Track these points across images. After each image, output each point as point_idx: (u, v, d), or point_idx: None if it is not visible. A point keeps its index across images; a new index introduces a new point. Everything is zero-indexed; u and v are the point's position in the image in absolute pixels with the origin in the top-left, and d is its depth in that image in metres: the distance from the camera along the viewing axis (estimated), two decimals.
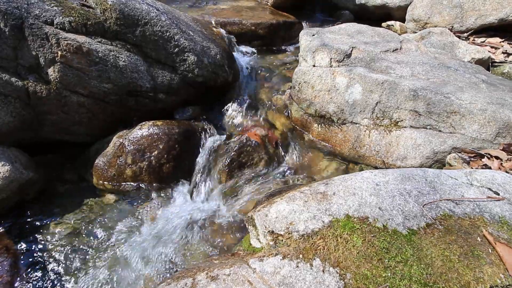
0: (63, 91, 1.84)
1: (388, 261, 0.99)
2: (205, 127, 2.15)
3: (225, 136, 2.15)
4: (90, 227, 1.73)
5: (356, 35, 2.47)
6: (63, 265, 1.55)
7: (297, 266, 0.99)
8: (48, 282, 1.49)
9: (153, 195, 1.90)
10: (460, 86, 1.89)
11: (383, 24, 3.46)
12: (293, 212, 1.15)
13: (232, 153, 2.01)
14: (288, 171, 2.06)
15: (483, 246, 1.04)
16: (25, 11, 1.72)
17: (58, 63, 1.78)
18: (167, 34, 2.09)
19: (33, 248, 1.61)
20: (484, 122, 1.68)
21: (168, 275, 1.49)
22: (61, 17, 1.80)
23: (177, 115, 2.26)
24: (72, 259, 1.58)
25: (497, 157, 1.58)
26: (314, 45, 2.27)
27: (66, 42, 1.78)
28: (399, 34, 2.80)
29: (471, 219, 1.12)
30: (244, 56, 3.02)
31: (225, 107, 2.37)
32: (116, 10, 1.92)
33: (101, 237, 1.69)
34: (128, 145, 1.93)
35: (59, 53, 1.77)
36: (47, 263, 1.56)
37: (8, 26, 1.67)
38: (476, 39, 2.90)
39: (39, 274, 1.51)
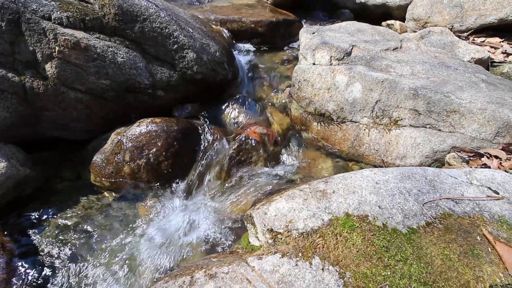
0: (61, 87, 1.82)
1: (388, 259, 0.99)
2: (204, 124, 2.14)
3: (224, 134, 2.14)
4: (87, 225, 1.72)
5: (356, 34, 2.46)
6: (59, 263, 1.54)
7: (296, 265, 0.99)
8: (44, 280, 1.47)
9: (151, 192, 1.89)
10: (460, 85, 1.89)
11: (383, 23, 3.45)
12: (292, 210, 1.14)
13: (231, 151, 2.00)
14: (287, 170, 2.05)
15: (482, 245, 1.04)
16: (22, 5, 1.70)
17: (56, 59, 1.76)
18: (166, 30, 2.07)
19: (29, 246, 1.59)
20: (484, 122, 1.67)
21: (165, 273, 1.48)
22: (58, 12, 1.78)
23: (176, 112, 2.24)
24: (68, 257, 1.56)
25: (496, 157, 1.58)
26: (314, 43, 2.26)
27: (63, 37, 1.76)
28: (399, 33, 2.79)
29: (470, 218, 1.12)
30: (244, 53, 3.00)
31: (225, 105, 2.36)
32: (115, 6, 1.90)
33: (98, 235, 1.67)
34: (126, 142, 1.91)
35: (57, 48, 1.75)
36: (43, 260, 1.54)
37: (5, 21, 1.65)
38: (476, 38, 2.90)
39: (35, 271, 1.49)
